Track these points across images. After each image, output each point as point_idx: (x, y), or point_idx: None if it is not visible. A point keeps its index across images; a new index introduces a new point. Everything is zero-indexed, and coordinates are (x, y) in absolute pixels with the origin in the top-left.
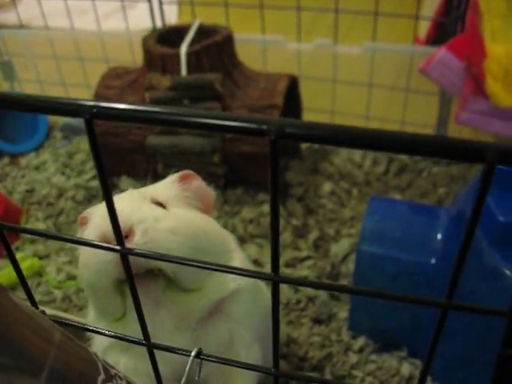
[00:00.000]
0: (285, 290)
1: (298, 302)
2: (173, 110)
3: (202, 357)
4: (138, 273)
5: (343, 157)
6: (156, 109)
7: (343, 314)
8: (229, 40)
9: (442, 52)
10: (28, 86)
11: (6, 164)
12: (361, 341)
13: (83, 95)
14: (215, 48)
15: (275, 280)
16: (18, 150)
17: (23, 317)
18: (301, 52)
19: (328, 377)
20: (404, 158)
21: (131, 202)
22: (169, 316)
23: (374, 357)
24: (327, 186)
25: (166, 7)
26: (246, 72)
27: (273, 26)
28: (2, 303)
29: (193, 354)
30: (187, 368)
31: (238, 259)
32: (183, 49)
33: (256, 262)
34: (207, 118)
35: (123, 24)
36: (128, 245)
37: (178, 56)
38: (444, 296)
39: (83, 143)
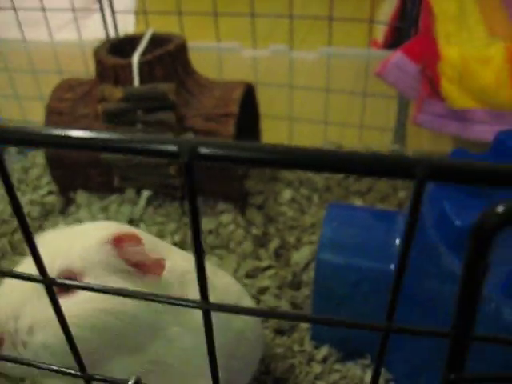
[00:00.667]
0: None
1: None
2: (69, 132)
3: None
4: None
5: None
6: (42, 130)
7: (305, 324)
8: (182, 49)
9: (397, 56)
10: None
11: None
12: (324, 350)
13: (37, 108)
14: (168, 57)
15: (206, 308)
16: None
17: None
18: (257, 59)
19: None
20: None
21: (21, 293)
22: None
23: (337, 366)
24: (287, 194)
25: (121, 17)
26: (200, 81)
27: (228, 33)
28: None
29: (130, 382)
30: None
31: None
32: (135, 59)
33: None
34: (111, 142)
35: (77, 35)
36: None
37: (130, 66)
38: (384, 318)
39: (38, 157)
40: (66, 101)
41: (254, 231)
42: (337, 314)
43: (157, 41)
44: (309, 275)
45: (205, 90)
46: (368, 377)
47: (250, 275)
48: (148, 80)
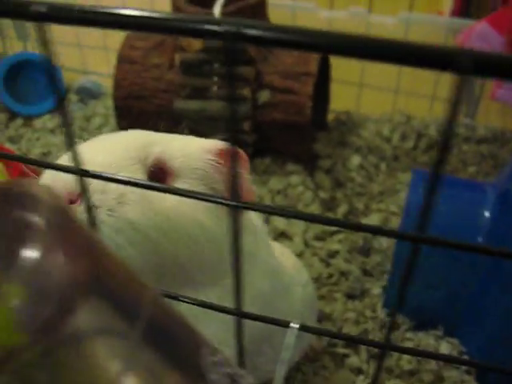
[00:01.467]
0: (316, 264)
1: (330, 276)
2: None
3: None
4: None
5: (371, 130)
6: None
7: (376, 290)
8: (262, 3)
9: (481, 25)
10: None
11: (19, 126)
12: (396, 318)
13: (101, 57)
14: (249, 10)
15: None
16: (32, 112)
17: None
18: (333, 20)
19: (363, 354)
20: (433, 134)
21: (114, 158)
22: None
23: (409, 335)
24: (355, 160)
25: None
26: None
27: None
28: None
29: (293, 325)
30: (287, 341)
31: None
32: (216, 9)
33: (283, 235)
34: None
35: None
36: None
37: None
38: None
39: (99, 107)
40: (138, 49)
41: (322, 195)
42: (411, 283)
43: None
44: (379, 242)
45: None
46: (443, 347)
47: (320, 237)
48: None
